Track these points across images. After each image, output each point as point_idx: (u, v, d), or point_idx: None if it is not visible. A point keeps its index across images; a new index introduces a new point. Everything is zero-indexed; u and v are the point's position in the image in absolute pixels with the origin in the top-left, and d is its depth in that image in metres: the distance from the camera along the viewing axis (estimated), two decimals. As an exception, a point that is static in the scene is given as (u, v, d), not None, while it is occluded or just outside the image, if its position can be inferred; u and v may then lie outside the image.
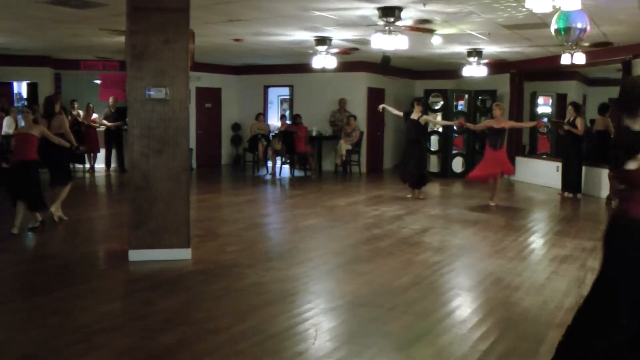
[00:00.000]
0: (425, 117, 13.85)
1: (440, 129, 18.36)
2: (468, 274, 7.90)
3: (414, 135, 13.86)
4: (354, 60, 17.38)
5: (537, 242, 9.81)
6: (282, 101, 24.31)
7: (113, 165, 18.89)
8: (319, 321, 5.92)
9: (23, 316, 6.18)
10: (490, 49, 14.81)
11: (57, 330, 5.65)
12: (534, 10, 7.82)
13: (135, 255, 8.02)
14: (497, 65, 16.71)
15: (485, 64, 15.74)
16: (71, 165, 17.82)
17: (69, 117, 17.39)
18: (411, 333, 5.66)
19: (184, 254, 8.09)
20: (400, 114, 14.27)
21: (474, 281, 7.53)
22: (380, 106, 14.99)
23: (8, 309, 6.34)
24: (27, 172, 9.58)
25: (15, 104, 19.07)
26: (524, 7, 8.58)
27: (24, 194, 9.56)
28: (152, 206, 8.05)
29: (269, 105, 22.54)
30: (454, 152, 18.91)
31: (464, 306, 6.54)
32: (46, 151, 10.10)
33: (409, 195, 13.77)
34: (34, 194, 9.63)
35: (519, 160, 17.41)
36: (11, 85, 19.89)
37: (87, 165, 18.62)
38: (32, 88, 19.24)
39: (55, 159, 10.39)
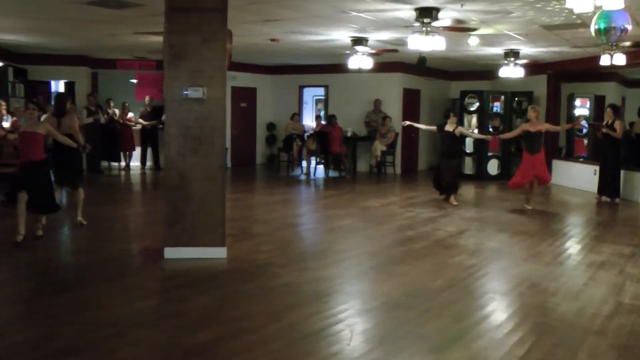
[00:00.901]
0: (460, 128, 13.40)
1: (476, 131, 18.19)
2: (503, 278, 7.83)
3: (448, 147, 13.40)
4: (389, 61, 17.33)
5: (573, 247, 9.67)
6: (317, 101, 24.34)
7: (148, 163, 19.05)
8: (353, 322, 5.91)
9: (60, 311, 6.24)
10: (528, 49, 14.68)
11: (93, 324, 5.72)
12: (575, 10, 7.71)
13: (170, 252, 8.08)
14: (534, 66, 16.55)
15: (522, 65, 15.59)
16: (108, 163, 18.18)
17: (105, 116, 17.64)
18: (446, 336, 5.62)
19: (218, 252, 8.13)
20: (433, 128, 13.91)
21: (509, 285, 7.46)
22: (406, 123, 14.64)
23: (45, 304, 6.41)
24: (37, 174, 8.85)
25: (52, 102, 19.30)
26: (564, 6, 8.47)
27: (36, 198, 8.82)
28: (188, 205, 8.09)
29: (304, 105, 22.55)
30: (489, 154, 18.75)
31: (499, 310, 6.48)
32: (55, 151, 9.86)
33: (446, 200, 13.53)
34: (46, 198, 9.04)
35: (556, 163, 17.24)
36: (49, 84, 20.13)
37: (123, 163, 18.82)
38: (69, 87, 19.45)
39: (66, 159, 9.93)
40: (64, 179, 10.30)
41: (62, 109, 10.07)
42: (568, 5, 7.47)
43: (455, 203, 13.25)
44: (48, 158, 9.16)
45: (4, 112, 13.26)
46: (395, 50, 14.43)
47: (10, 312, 6.22)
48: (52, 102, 19.07)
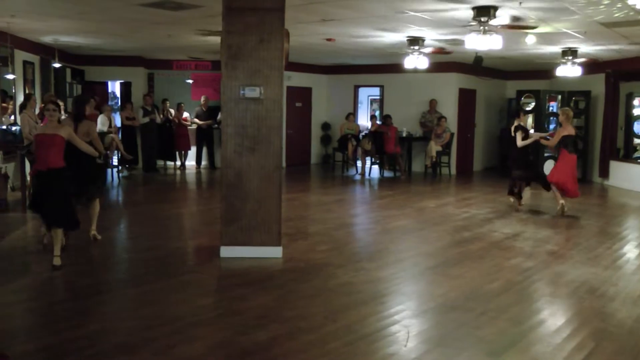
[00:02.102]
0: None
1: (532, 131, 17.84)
2: (561, 282, 7.67)
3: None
4: (445, 61, 17.21)
5: (632, 251, 9.47)
6: (372, 101, 24.28)
7: (204, 162, 19.22)
8: (410, 323, 5.90)
9: (119, 306, 6.41)
10: (586, 48, 14.41)
11: (152, 321, 5.82)
12: (638, 6, 7.57)
13: (226, 251, 8.17)
14: (592, 65, 16.20)
15: (580, 64, 15.31)
16: (164, 163, 18.43)
17: (161, 116, 17.90)
18: (504, 339, 5.57)
19: (275, 252, 8.19)
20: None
21: (567, 289, 7.32)
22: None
23: (104, 299, 6.57)
24: (53, 184, 7.76)
25: (109, 103, 19.67)
26: (626, 3, 8.30)
27: (54, 212, 7.73)
28: (244, 204, 8.16)
29: (359, 105, 22.52)
30: (546, 155, 18.46)
31: (557, 314, 6.41)
32: (72, 157, 8.22)
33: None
34: (67, 211, 7.84)
35: (613, 164, 16.94)
36: (106, 84, 20.51)
37: (178, 163, 19.04)
38: (125, 87, 19.80)
39: (81, 167, 8.46)
40: (79, 191, 8.59)
41: (81, 113, 8.94)
42: (630, 1, 7.34)
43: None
44: (67, 167, 7.95)
45: (62, 111, 13.50)
46: (450, 52, 14.33)
47: (68, 307, 6.33)
48: (109, 102, 19.58)
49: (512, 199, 12.69)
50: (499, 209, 12.50)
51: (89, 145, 8.43)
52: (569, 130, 11.96)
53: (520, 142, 12.22)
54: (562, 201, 11.93)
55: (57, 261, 7.60)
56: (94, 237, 9.06)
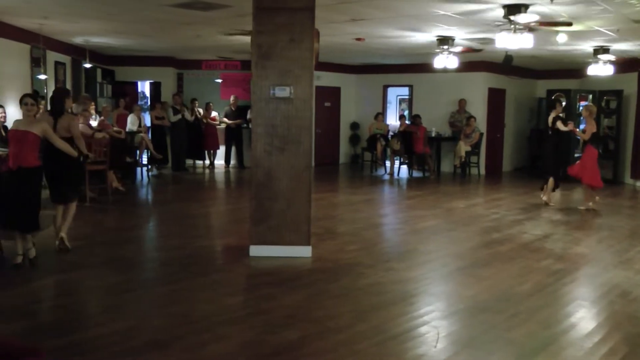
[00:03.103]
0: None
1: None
2: (592, 285, 7.62)
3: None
4: (474, 60, 17.11)
5: (666, 253, 9.36)
6: (401, 101, 24.22)
7: (232, 162, 19.27)
8: (439, 325, 5.86)
9: (149, 304, 6.45)
10: (618, 46, 14.21)
11: (181, 319, 5.85)
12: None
13: (256, 250, 8.18)
14: (624, 64, 15.95)
15: (612, 63, 15.10)
16: (193, 162, 18.46)
17: (193, 117, 17.97)
18: (534, 342, 5.50)
19: (304, 251, 8.18)
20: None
21: (598, 292, 7.24)
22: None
23: (135, 297, 6.60)
24: (24, 184, 7.37)
25: (139, 102, 19.84)
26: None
27: (19, 214, 7.37)
28: (274, 203, 8.17)
29: (388, 105, 22.44)
30: (577, 155, 18.28)
31: (588, 318, 6.32)
32: (48, 157, 7.92)
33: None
34: (29, 211, 7.45)
35: (646, 165, 16.74)
36: (135, 84, 20.68)
37: (207, 162, 19.10)
38: (155, 87, 19.95)
39: (60, 168, 8.07)
40: (57, 194, 8.33)
41: (60, 108, 8.30)
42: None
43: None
44: (42, 166, 7.65)
45: (93, 111, 13.62)
46: (480, 50, 14.24)
47: (97, 304, 6.41)
48: (139, 102, 19.69)
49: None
50: (528, 210, 12.40)
51: (67, 143, 7.92)
52: (593, 125, 12.35)
53: (562, 127, 12.47)
54: (590, 203, 12.32)
55: (19, 259, 7.41)
56: (61, 240, 8.22)
